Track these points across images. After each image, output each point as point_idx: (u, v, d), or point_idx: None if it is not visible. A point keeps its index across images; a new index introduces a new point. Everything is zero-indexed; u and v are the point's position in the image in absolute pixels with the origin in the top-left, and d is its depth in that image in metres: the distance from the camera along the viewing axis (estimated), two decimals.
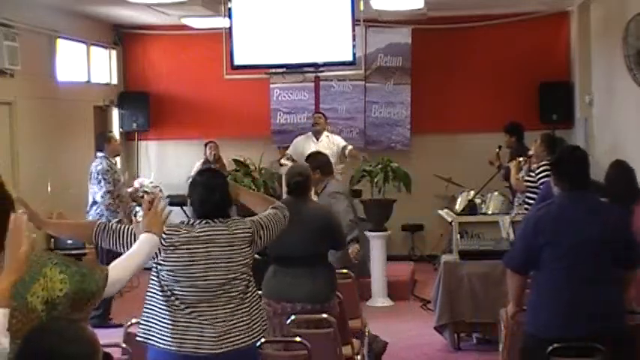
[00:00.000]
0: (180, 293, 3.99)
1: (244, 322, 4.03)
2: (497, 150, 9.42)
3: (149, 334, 4.02)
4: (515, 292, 4.53)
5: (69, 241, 9.51)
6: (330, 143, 9.78)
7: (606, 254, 4.24)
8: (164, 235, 3.98)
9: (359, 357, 5.71)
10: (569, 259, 4.21)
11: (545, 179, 7.33)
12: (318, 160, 6.89)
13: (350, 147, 9.86)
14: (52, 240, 9.68)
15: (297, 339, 4.60)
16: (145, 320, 4.06)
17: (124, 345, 4.49)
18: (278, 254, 5.38)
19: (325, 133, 9.97)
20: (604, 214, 4.34)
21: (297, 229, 5.33)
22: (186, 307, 3.97)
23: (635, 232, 4.49)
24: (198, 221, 4.05)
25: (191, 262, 3.98)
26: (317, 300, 5.30)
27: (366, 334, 6.26)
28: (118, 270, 3.27)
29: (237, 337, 3.99)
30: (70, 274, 3.01)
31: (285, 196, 5.72)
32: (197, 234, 4.01)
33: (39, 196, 9.64)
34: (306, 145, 9.67)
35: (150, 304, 4.06)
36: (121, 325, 4.57)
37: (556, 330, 4.21)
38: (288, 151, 9.94)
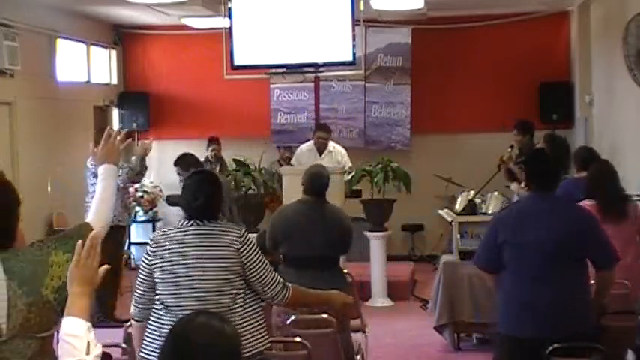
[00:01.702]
0: (169, 302, 3.91)
1: None
2: (510, 149, 9.40)
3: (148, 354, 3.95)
4: (494, 290, 4.57)
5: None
6: (333, 158, 9.55)
7: (565, 255, 4.23)
8: (151, 241, 3.98)
9: (359, 357, 5.71)
10: (526, 259, 4.23)
11: None
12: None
13: (347, 175, 9.40)
14: None
15: (297, 339, 4.60)
16: (145, 340, 3.99)
17: (124, 345, 4.49)
18: (299, 255, 5.35)
19: (329, 147, 9.67)
20: (566, 215, 4.34)
21: (317, 231, 5.35)
22: (172, 317, 3.86)
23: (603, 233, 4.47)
24: (185, 222, 4.02)
25: (171, 264, 3.92)
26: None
27: (367, 334, 6.27)
28: (100, 217, 3.36)
29: None
30: (70, 249, 3.01)
31: (302, 195, 5.66)
32: (182, 235, 3.97)
33: (39, 196, 9.65)
34: (309, 160, 9.39)
35: (148, 325, 4.00)
36: (126, 321, 4.56)
37: (516, 331, 4.23)
38: (292, 161, 9.83)
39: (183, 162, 7.59)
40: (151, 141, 8.82)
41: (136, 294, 4.02)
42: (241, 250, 3.96)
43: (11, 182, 3.14)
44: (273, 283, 4.03)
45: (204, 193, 4.02)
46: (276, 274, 4.08)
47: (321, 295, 4.34)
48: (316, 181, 5.52)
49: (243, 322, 3.95)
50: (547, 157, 4.66)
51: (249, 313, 3.99)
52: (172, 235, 3.98)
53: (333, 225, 5.41)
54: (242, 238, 3.99)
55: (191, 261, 3.91)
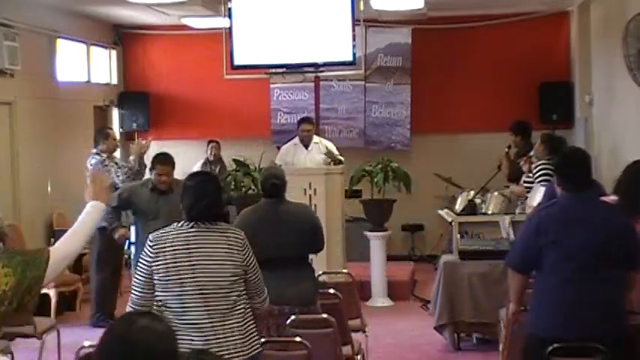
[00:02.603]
0: (173, 303, 3.89)
1: (236, 334, 3.91)
2: (507, 150, 9.40)
3: None
4: (516, 292, 4.53)
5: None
6: (319, 150, 9.49)
7: (608, 256, 4.24)
8: (151, 242, 3.96)
9: (359, 357, 5.71)
10: (570, 261, 4.21)
11: (542, 178, 7.35)
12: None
13: (333, 164, 9.12)
14: (52, 240, 9.69)
15: (297, 339, 4.60)
16: None
17: None
18: (262, 258, 5.36)
19: (314, 140, 9.46)
20: (606, 216, 4.34)
21: (280, 231, 5.33)
22: (175, 318, 3.86)
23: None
24: (187, 223, 4.00)
25: (176, 265, 3.90)
26: (304, 302, 5.29)
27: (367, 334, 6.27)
28: (66, 246, 3.27)
29: (228, 351, 3.87)
30: (13, 266, 3.03)
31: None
32: (184, 236, 3.95)
33: (39, 196, 9.66)
34: (296, 155, 9.38)
35: None
36: None
37: (556, 330, 4.20)
38: (276, 160, 9.43)
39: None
40: (149, 140, 8.81)
41: (133, 295, 3.97)
42: (243, 251, 3.98)
43: None
44: (263, 287, 4.13)
45: (207, 195, 4.02)
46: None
47: None
48: (266, 183, 5.51)
49: (246, 323, 3.97)
50: (582, 157, 4.59)
51: (249, 314, 4.02)
52: (175, 236, 3.96)
53: (295, 223, 5.38)
54: (244, 240, 4.01)
55: (196, 262, 3.90)
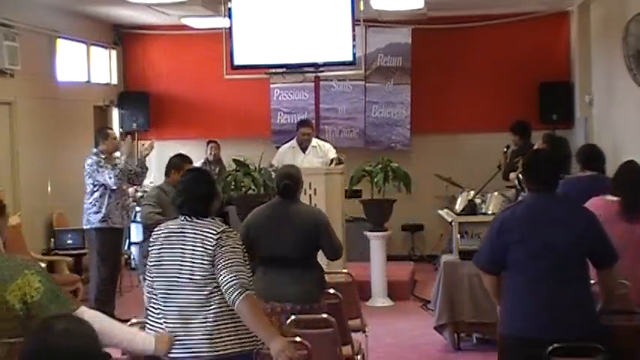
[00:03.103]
0: (160, 295, 4.01)
1: (207, 330, 3.91)
2: (505, 150, 9.41)
3: None
4: (493, 293, 4.57)
5: (69, 241, 9.52)
6: (317, 154, 9.49)
7: (576, 255, 4.22)
8: (152, 235, 4.13)
9: (359, 357, 5.71)
10: (537, 260, 4.22)
11: None
12: None
13: (332, 155, 9.29)
14: (52, 240, 9.70)
15: (297, 339, 4.59)
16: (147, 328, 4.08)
17: None
18: (267, 255, 5.40)
19: (312, 143, 9.51)
20: (571, 216, 4.34)
21: (286, 231, 5.38)
22: (159, 307, 4.00)
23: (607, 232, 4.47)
24: (180, 218, 4.11)
25: (162, 257, 4.03)
26: (306, 300, 5.32)
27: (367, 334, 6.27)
28: (100, 323, 3.22)
29: (196, 344, 3.90)
30: (45, 288, 3.09)
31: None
32: (170, 230, 4.08)
33: (39, 196, 9.66)
34: (293, 157, 9.38)
35: (148, 313, 4.11)
36: (126, 320, 4.59)
37: (530, 330, 4.21)
38: (273, 161, 9.50)
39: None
40: (152, 141, 8.82)
41: (146, 283, 4.17)
42: (215, 245, 3.94)
43: None
44: (230, 281, 3.86)
45: (187, 191, 4.11)
46: (242, 276, 3.90)
47: (270, 329, 3.96)
48: (280, 182, 5.57)
49: (217, 321, 3.91)
50: (547, 157, 4.65)
51: (227, 313, 3.93)
52: (165, 229, 4.11)
53: (301, 224, 5.42)
54: (219, 234, 3.96)
55: (175, 256, 4.00)
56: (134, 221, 11.68)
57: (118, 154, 8.73)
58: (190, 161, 7.41)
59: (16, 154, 9.34)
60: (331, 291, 5.78)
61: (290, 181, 5.55)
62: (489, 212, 8.06)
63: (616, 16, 8.92)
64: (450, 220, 8.46)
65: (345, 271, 7.17)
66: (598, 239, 4.30)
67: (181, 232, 4.04)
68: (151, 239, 4.14)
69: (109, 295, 8.49)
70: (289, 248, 5.37)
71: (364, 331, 6.23)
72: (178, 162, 7.14)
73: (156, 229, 4.16)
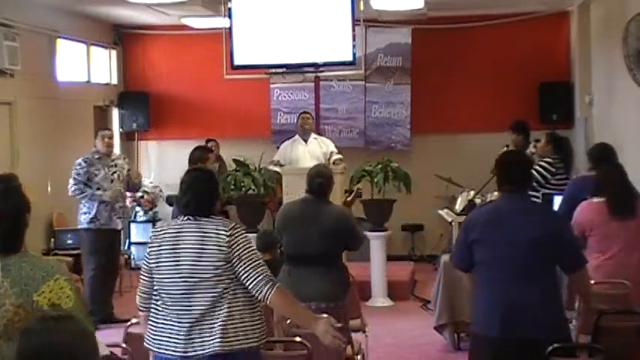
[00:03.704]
0: (164, 294, 3.99)
1: (218, 328, 3.90)
2: (505, 149, 9.41)
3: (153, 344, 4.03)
4: (471, 288, 4.59)
5: (69, 241, 9.53)
6: (319, 145, 9.62)
7: (541, 255, 4.21)
8: (151, 235, 4.08)
9: (359, 357, 5.71)
10: (500, 260, 4.24)
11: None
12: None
13: (335, 156, 9.47)
14: (52, 240, 9.70)
15: (297, 339, 4.59)
16: (148, 330, 4.07)
17: (124, 345, 4.50)
18: (294, 253, 5.43)
19: (313, 135, 9.68)
20: (538, 216, 4.34)
21: (317, 230, 5.41)
22: (167, 308, 3.98)
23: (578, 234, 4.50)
24: (181, 217, 4.08)
25: (163, 256, 3.99)
26: (331, 298, 5.35)
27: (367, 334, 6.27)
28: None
29: (208, 343, 3.90)
30: (75, 299, 3.01)
31: (304, 194, 5.71)
32: (176, 230, 4.03)
33: (39, 196, 9.65)
34: (295, 149, 9.55)
35: (150, 315, 4.09)
36: (126, 320, 4.59)
37: (497, 330, 4.21)
38: (275, 157, 9.68)
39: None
40: (140, 174, 9.54)
41: (140, 288, 4.14)
42: (229, 244, 3.95)
43: (22, 187, 3.17)
44: (256, 278, 3.93)
45: (192, 190, 4.08)
46: (265, 271, 3.98)
47: (308, 313, 4.15)
48: (314, 181, 5.60)
49: (229, 318, 3.93)
50: (519, 158, 4.68)
51: (239, 309, 3.96)
52: (169, 229, 4.06)
53: (329, 223, 5.44)
54: (230, 232, 3.98)
55: (182, 255, 3.96)
56: (134, 221, 11.73)
57: (116, 156, 8.77)
58: (211, 151, 7.55)
59: (16, 154, 9.34)
60: None
61: (323, 179, 5.58)
62: None
63: (616, 16, 8.92)
64: (450, 220, 8.47)
65: None
66: (562, 243, 4.27)
67: (187, 232, 4.00)
68: (151, 240, 4.09)
69: (102, 294, 8.41)
70: (318, 247, 5.40)
71: (364, 331, 6.23)
72: (201, 154, 7.21)
73: (156, 230, 4.12)
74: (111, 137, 8.67)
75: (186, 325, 3.92)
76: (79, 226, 8.46)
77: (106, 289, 8.58)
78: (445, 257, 7.77)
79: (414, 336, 7.91)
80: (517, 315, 4.16)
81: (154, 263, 4.04)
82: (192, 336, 3.91)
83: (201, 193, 4.08)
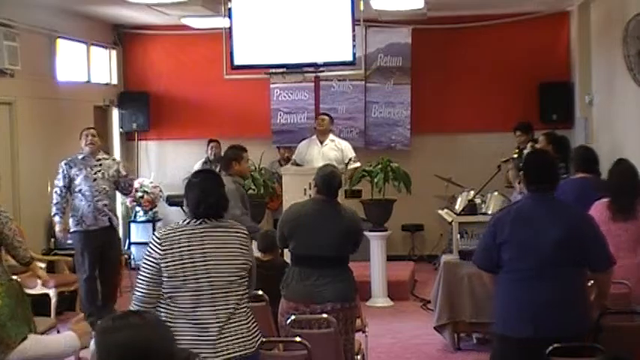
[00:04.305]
0: (184, 300, 3.92)
1: (244, 329, 3.97)
2: (517, 151, 9.43)
3: None
4: (493, 288, 4.58)
5: (68, 241, 9.51)
6: (334, 147, 9.68)
7: (565, 255, 4.23)
8: (159, 239, 3.95)
9: (359, 357, 5.71)
10: (526, 260, 4.25)
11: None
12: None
13: (353, 164, 9.55)
14: (52, 240, 9.69)
15: (297, 339, 4.60)
16: None
17: None
18: (307, 254, 5.38)
19: (330, 137, 9.81)
20: (565, 216, 4.35)
21: (330, 232, 5.36)
22: (184, 313, 3.91)
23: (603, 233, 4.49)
24: (194, 221, 4.03)
25: (187, 261, 3.93)
26: (345, 299, 5.34)
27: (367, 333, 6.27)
28: (34, 347, 3.15)
29: (236, 344, 3.93)
30: (3, 303, 3.03)
31: (313, 194, 5.66)
32: (192, 232, 3.98)
33: (39, 196, 9.65)
34: (310, 150, 9.66)
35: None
36: None
37: (511, 330, 4.22)
38: (293, 157, 9.99)
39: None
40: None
41: (138, 293, 3.96)
42: (248, 247, 4.09)
43: None
44: (253, 283, 4.21)
45: (213, 192, 4.08)
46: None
47: None
48: (326, 182, 5.53)
49: (250, 318, 4.04)
50: (547, 158, 4.67)
51: (249, 310, 4.08)
52: (184, 233, 3.98)
53: (340, 224, 5.42)
54: (247, 235, 4.12)
55: (210, 259, 3.95)
56: (134, 221, 11.73)
57: (104, 156, 8.44)
58: (245, 149, 7.50)
59: (16, 154, 9.34)
60: None
61: (336, 180, 5.55)
62: (489, 212, 8.06)
63: (616, 16, 8.92)
64: (450, 220, 8.46)
65: None
66: (589, 242, 4.29)
67: (213, 234, 3.99)
68: (158, 250, 3.94)
69: (95, 295, 8.24)
70: (330, 248, 5.36)
71: (364, 331, 6.22)
72: (237, 152, 7.16)
73: (166, 234, 3.99)
74: (94, 135, 8.27)
75: (216, 327, 3.90)
76: (70, 229, 8.29)
77: (107, 289, 8.51)
78: (445, 257, 7.77)
79: (414, 336, 7.91)
80: (550, 314, 4.18)
81: (171, 272, 3.92)
82: (223, 337, 3.90)
83: (220, 195, 4.11)
